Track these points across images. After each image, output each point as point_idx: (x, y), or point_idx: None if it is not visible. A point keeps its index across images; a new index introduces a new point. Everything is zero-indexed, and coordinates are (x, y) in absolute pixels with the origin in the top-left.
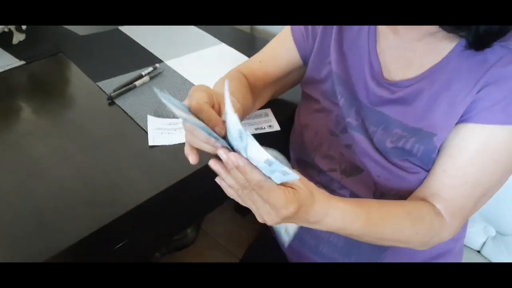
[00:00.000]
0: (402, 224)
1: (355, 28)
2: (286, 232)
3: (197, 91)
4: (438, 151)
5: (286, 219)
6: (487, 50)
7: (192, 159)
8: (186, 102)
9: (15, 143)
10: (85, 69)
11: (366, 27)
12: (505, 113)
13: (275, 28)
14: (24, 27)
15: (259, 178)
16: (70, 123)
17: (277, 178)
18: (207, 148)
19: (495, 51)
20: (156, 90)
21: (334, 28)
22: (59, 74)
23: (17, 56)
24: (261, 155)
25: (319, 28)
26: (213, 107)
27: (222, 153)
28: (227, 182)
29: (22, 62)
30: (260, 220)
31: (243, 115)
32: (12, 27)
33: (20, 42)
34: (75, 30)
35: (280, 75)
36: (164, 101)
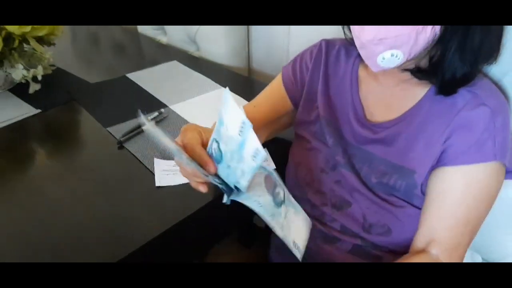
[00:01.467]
0: None
1: (339, 75)
2: (295, 245)
3: (189, 130)
4: (426, 197)
5: None
6: (457, 96)
7: (204, 189)
8: (178, 139)
9: (35, 186)
10: (96, 116)
11: (348, 75)
12: (480, 153)
13: (271, 71)
14: (39, 77)
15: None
16: (83, 167)
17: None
18: (196, 179)
19: (463, 96)
20: (148, 127)
21: (321, 75)
22: (73, 121)
23: (34, 104)
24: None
25: (307, 76)
26: (202, 144)
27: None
28: None
29: (38, 111)
30: None
31: None
32: (29, 78)
33: (36, 91)
34: (86, 78)
35: (273, 118)
36: (154, 136)
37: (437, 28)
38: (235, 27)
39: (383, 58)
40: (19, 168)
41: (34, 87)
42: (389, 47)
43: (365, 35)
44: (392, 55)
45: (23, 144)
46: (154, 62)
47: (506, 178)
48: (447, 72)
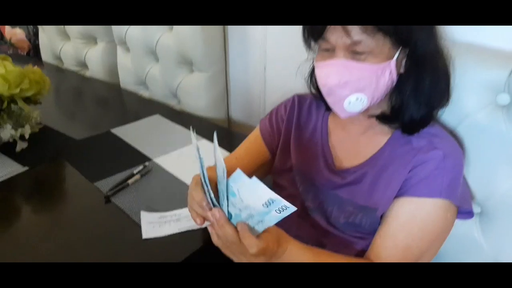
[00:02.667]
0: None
1: (311, 126)
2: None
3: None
4: (381, 220)
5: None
6: (413, 142)
7: (200, 221)
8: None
9: (22, 243)
10: (83, 171)
11: (319, 126)
12: (428, 188)
13: (249, 121)
14: (26, 136)
15: (231, 232)
16: (71, 222)
17: (271, 218)
18: (199, 210)
19: (419, 141)
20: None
21: (294, 127)
22: (60, 177)
23: (21, 162)
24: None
25: (282, 127)
26: None
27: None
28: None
29: (26, 168)
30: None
31: None
32: (16, 137)
33: (23, 149)
34: (72, 135)
35: (254, 168)
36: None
37: (394, 73)
38: (214, 82)
39: (349, 102)
40: (7, 225)
41: (21, 146)
42: (354, 90)
43: (331, 80)
44: (357, 99)
45: (11, 202)
46: (137, 116)
47: (458, 218)
48: (406, 115)
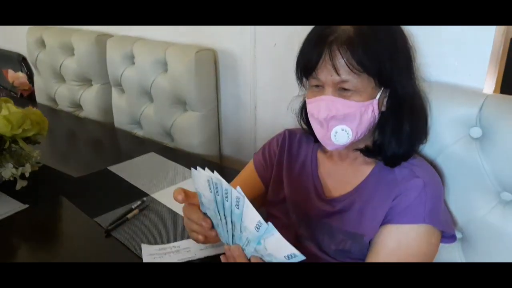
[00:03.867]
0: None
1: (301, 158)
2: (290, 256)
3: None
4: (369, 247)
5: None
6: (396, 172)
7: (202, 238)
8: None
9: None
10: (82, 207)
11: (309, 158)
12: (411, 215)
13: (241, 156)
14: (27, 174)
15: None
16: (73, 256)
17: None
18: (198, 229)
19: (402, 172)
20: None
21: (285, 160)
22: (60, 214)
23: (21, 200)
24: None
25: (275, 160)
26: None
27: (226, 248)
28: None
29: (26, 206)
30: None
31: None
32: (17, 175)
33: (23, 187)
34: (71, 173)
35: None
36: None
37: (376, 111)
38: (207, 121)
39: (336, 133)
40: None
41: (21, 184)
42: (340, 122)
43: (321, 114)
44: (342, 129)
45: (12, 239)
46: (132, 155)
47: (443, 242)
48: (387, 151)
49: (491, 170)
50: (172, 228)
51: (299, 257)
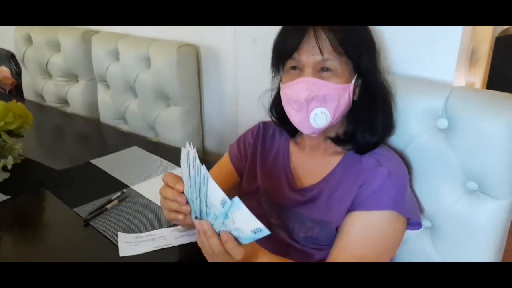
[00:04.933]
0: None
1: (274, 150)
2: (255, 231)
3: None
4: (337, 233)
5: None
6: (363, 161)
7: (181, 216)
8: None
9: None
10: (63, 199)
11: (281, 150)
12: (376, 202)
13: (224, 152)
14: (9, 166)
15: (217, 243)
16: (52, 245)
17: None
18: (174, 206)
19: (368, 161)
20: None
21: (259, 151)
22: (41, 205)
23: (3, 192)
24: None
25: (249, 152)
26: None
27: (196, 222)
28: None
29: (8, 197)
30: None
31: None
32: None
33: (4, 179)
34: (53, 166)
35: (224, 191)
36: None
37: (351, 96)
38: (190, 115)
39: (315, 115)
40: None
41: (3, 176)
42: (320, 104)
43: (302, 94)
44: (322, 112)
45: None
46: (116, 149)
47: (408, 229)
48: (361, 139)
49: (457, 160)
50: (150, 218)
51: (264, 231)
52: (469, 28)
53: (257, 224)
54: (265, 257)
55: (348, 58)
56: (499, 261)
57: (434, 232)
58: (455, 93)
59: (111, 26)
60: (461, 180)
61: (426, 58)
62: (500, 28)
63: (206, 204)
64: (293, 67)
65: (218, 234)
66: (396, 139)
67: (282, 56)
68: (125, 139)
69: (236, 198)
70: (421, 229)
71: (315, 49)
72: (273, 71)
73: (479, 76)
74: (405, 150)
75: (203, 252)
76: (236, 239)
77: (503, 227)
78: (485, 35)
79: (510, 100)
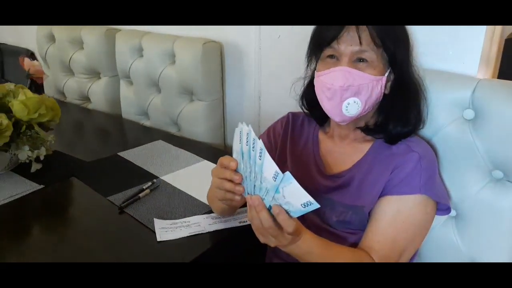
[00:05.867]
0: (348, 258)
1: (304, 139)
2: (306, 204)
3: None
4: (370, 216)
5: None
6: (393, 148)
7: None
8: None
9: (43, 248)
10: (95, 188)
11: (311, 139)
12: (408, 186)
13: None
14: (42, 157)
15: (267, 217)
16: (88, 231)
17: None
18: (229, 186)
19: (398, 147)
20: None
21: (289, 140)
22: (74, 194)
23: (37, 182)
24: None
25: (279, 140)
26: None
27: (248, 198)
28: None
29: (42, 186)
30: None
31: (231, 212)
32: (33, 158)
33: (37, 170)
34: (82, 158)
35: None
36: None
37: (383, 89)
38: (213, 110)
39: (348, 104)
40: (26, 237)
41: (35, 166)
42: (353, 94)
43: (337, 82)
44: (354, 101)
45: (29, 218)
46: (140, 143)
47: (438, 214)
48: (393, 130)
49: (483, 149)
50: (182, 206)
51: (314, 204)
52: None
53: (307, 197)
54: (309, 235)
55: (384, 50)
56: None
57: (460, 221)
58: (482, 84)
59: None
60: (487, 169)
61: (450, 51)
62: (509, 30)
63: (260, 178)
64: (330, 56)
65: (268, 209)
66: (424, 129)
67: (321, 44)
68: (148, 134)
69: (288, 173)
70: (450, 214)
71: (355, 39)
72: (308, 60)
73: (489, 76)
74: (432, 140)
75: (253, 226)
76: (286, 212)
77: None
78: (494, 36)
79: None
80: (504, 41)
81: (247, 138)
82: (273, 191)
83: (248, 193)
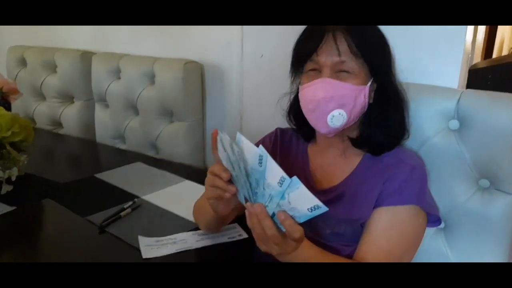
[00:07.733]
0: None
1: (292, 154)
2: (313, 208)
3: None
4: (364, 228)
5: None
6: (384, 160)
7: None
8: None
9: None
10: (72, 208)
11: (300, 154)
12: (401, 197)
13: None
14: (13, 178)
15: (271, 225)
16: (67, 251)
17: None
18: (219, 183)
19: (389, 160)
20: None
21: (278, 156)
22: (50, 214)
23: (7, 203)
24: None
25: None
26: None
27: (248, 205)
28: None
29: (13, 208)
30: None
31: (218, 226)
32: (3, 178)
33: (7, 192)
34: (56, 179)
35: None
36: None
37: (367, 98)
38: (193, 131)
39: (333, 116)
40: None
41: (6, 188)
42: (337, 105)
43: (319, 94)
44: (339, 113)
45: (1, 240)
46: (117, 165)
47: (429, 226)
48: (374, 141)
49: (470, 158)
50: (166, 225)
51: (322, 208)
52: (470, 39)
53: (315, 201)
54: (308, 242)
55: (364, 60)
56: None
57: (449, 231)
58: (466, 95)
59: (110, 47)
60: (474, 178)
61: (430, 67)
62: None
63: (262, 185)
64: (312, 69)
65: (271, 217)
66: (410, 141)
67: (302, 58)
68: (125, 156)
69: (295, 177)
70: (440, 226)
71: (333, 50)
72: (292, 75)
73: None
74: (419, 151)
75: (254, 235)
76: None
77: None
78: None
79: None
80: (468, 71)
81: (231, 147)
82: (278, 197)
83: (243, 197)
